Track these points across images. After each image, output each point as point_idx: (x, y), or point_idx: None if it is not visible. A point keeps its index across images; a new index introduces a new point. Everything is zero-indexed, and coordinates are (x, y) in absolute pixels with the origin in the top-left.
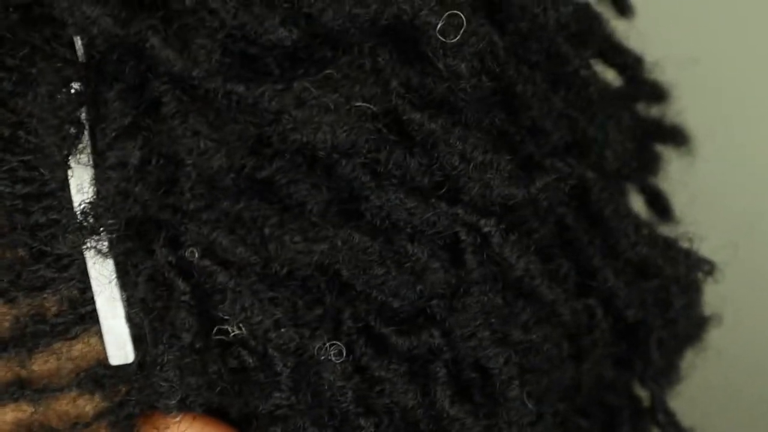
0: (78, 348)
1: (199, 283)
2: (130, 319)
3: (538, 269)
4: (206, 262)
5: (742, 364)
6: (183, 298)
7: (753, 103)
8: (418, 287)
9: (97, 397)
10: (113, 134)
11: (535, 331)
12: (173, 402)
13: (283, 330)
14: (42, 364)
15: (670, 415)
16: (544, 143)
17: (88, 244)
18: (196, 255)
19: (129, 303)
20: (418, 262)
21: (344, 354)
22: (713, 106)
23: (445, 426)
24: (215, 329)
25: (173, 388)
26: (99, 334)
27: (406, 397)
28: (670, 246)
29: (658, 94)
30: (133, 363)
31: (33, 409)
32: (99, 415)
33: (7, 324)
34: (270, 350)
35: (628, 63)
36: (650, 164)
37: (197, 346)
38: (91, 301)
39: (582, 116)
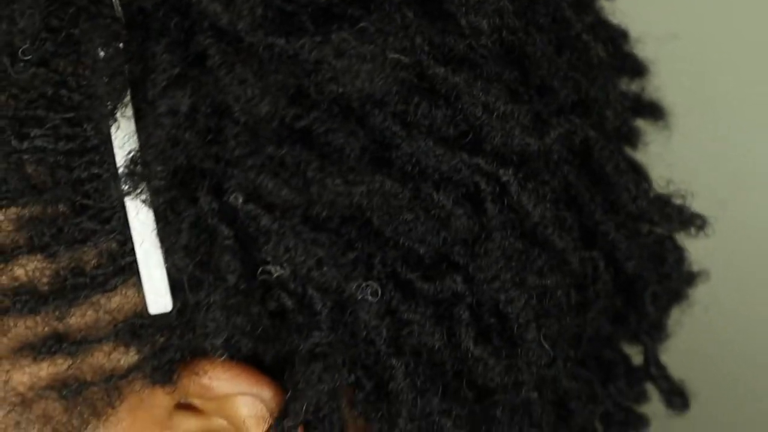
0: (116, 300)
1: (242, 227)
2: (169, 267)
3: (552, 217)
4: (250, 207)
5: (730, 322)
6: (226, 242)
7: (732, 78)
8: (443, 234)
9: (132, 349)
10: (163, 83)
11: (549, 277)
12: (220, 341)
13: (325, 269)
14: (80, 318)
15: (661, 368)
16: (552, 102)
17: (132, 194)
18: (241, 200)
19: (170, 251)
20: (444, 209)
21: (379, 294)
22: (693, 83)
23: (470, 366)
24: (258, 271)
25: (220, 328)
26: (137, 285)
27: (432, 339)
28: (665, 202)
29: (638, 68)
30: (170, 312)
31: (69, 364)
32: (135, 367)
33: (46, 279)
34: (310, 290)
35: (614, 37)
36: (630, 137)
37: (241, 287)
38: (130, 252)
39: (584, 78)
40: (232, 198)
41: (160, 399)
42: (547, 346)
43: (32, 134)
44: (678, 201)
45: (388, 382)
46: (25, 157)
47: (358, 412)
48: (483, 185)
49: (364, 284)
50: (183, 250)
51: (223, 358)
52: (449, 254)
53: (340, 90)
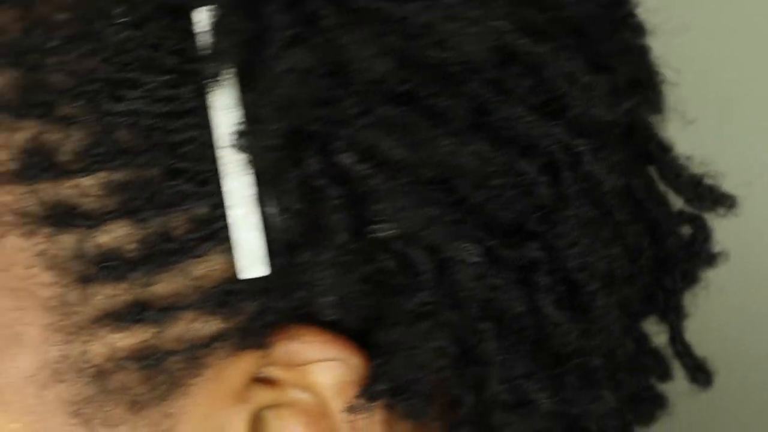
0: (205, 266)
1: (351, 186)
2: (268, 229)
3: (619, 188)
4: (364, 166)
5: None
6: (337, 201)
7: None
8: (525, 201)
9: (218, 317)
10: (282, 42)
11: (613, 247)
12: (331, 299)
13: (432, 229)
14: (166, 285)
15: (686, 346)
16: (612, 80)
17: (235, 156)
18: (354, 159)
19: (271, 213)
20: (527, 177)
21: (477, 256)
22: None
23: (548, 332)
24: (366, 231)
25: (331, 286)
26: (227, 251)
27: (515, 304)
28: (697, 182)
29: None
30: (266, 276)
31: (151, 333)
32: (220, 335)
33: (135, 245)
34: (415, 250)
35: None
36: None
37: (351, 247)
38: (221, 217)
39: (633, 59)
40: (343, 157)
41: (241, 369)
42: (616, 312)
43: (126, 97)
44: (709, 181)
45: (477, 346)
46: (118, 120)
47: (443, 377)
48: (561, 154)
49: (464, 246)
50: (287, 212)
51: (333, 317)
52: (527, 221)
53: (444, 54)
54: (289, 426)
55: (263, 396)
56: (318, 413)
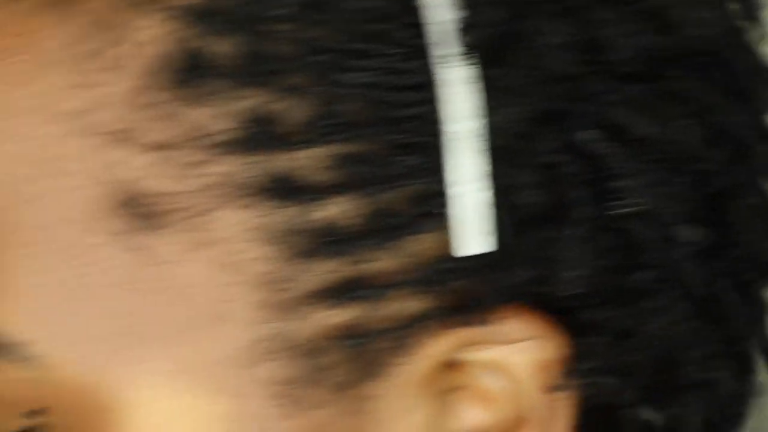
0: (422, 243)
1: (593, 163)
2: (500, 206)
3: None
4: (608, 143)
5: None
6: (578, 178)
7: None
8: (706, 187)
9: (430, 296)
10: (545, 17)
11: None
12: (575, 274)
13: (668, 207)
14: (384, 262)
15: (766, 341)
16: None
17: (466, 132)
18: (597, 137)
19: (507, 190)
20: (713, 162)
21: (697, 237)
22: None
23: (725, 316)
24: (604, 207)
25: (574, 261)
26: (447, 227)
27: (706, 286)
28: None
29: None
30: (488, 254)
31: (363, 311)
32: (427, 315)
33: (357, 219)
34: (647, 229)
35: None
36: None
37: (592, 224)
38: (445, 193)
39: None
40: (586, 134)
41: (440, 350)
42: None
43: (355, 68)
44: None
45: (676, 326)
46: (346, 92)
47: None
48: (741, 144)
49: (689, 226)
50: (524, 188)
51: (570, 292)
52: (706, 207)
53: (673, 37)
54: (471, 410)
55: (449, 379)
56: (504, 396)
